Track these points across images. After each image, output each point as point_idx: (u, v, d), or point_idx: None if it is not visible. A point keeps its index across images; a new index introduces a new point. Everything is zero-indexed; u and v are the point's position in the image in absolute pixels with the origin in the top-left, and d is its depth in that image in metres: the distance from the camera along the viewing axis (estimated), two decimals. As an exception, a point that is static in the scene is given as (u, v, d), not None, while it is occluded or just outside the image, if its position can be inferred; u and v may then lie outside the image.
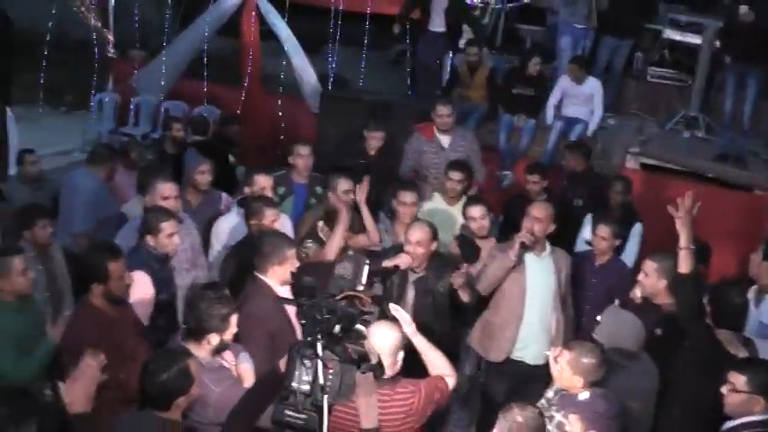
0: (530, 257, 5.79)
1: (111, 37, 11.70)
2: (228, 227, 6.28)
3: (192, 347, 4.14)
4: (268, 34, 11.40)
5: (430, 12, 10.51)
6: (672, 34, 10.59)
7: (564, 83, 9.31)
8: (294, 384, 2.79)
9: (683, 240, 4.77)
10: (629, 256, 7.16)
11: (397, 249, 5.76)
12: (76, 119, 12.14)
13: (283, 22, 11.14)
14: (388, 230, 6.73)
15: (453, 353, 5.99)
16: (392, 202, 6.85)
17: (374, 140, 7.96)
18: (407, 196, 6.65)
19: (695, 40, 10.23)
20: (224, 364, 4.31)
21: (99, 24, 11.47)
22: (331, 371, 2.77)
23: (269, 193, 6.46)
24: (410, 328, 4.20)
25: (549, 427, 4.30)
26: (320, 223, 6.26)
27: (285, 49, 11.11)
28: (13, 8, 12.75)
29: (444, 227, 6.62)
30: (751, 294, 5.69)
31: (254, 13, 11.16)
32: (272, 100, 11.07)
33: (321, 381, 2.75)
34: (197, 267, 6.01)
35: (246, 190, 6.57)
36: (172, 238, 5.36)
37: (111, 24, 11.88)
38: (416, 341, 4.22)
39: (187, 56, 11.64)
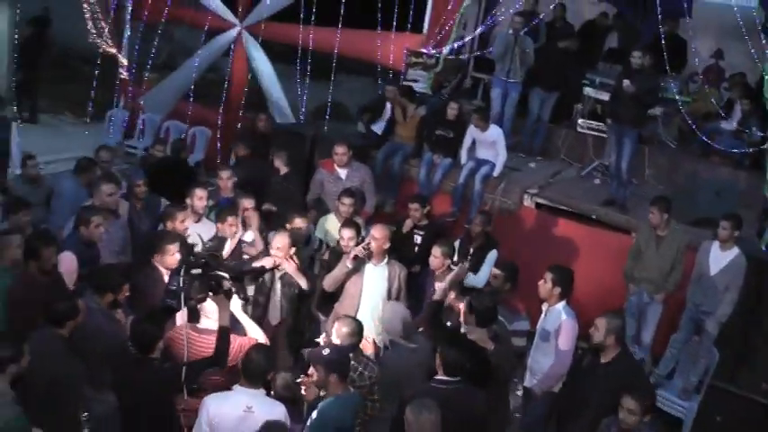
0: (369, 266, 7.44)
1: (124, 60, 13.58)
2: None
3: (97, 298, 6.09)
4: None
5: None
6: (590, 92, 12.01)
7: (473, 129, 10.61)
8: (169, 287, 5.56)
9: None
10: (481, 275, 8.56)
11: (265, 254, 7.51)
12: (95, 130, 13.94)
13: (265, 59, 13.10)
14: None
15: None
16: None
17: (277, 160, 9.76)
18: (297, 221, 8.17)
19: (607, 97, 11.66)
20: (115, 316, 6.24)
21: (113, 50, 13.24)
22: (187, 281, 5.52)
23: (203, 202, 8.23)
24: (237, 306, 6.10)
25: None
26: None
27: (261, 81, 13.09)
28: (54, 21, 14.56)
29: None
30: (544, 307, 7.26)
31: (242, 50, 13.17)
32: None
33: (181, 284, 5.49)
34: (125, 252, 7.89)
35: (188, 201, 8.20)
36: (98, 228, 7.22)
37: (126, 49, 13.76)
38: (239, 315, 6.17)
39: (188, 82, 13.60)
